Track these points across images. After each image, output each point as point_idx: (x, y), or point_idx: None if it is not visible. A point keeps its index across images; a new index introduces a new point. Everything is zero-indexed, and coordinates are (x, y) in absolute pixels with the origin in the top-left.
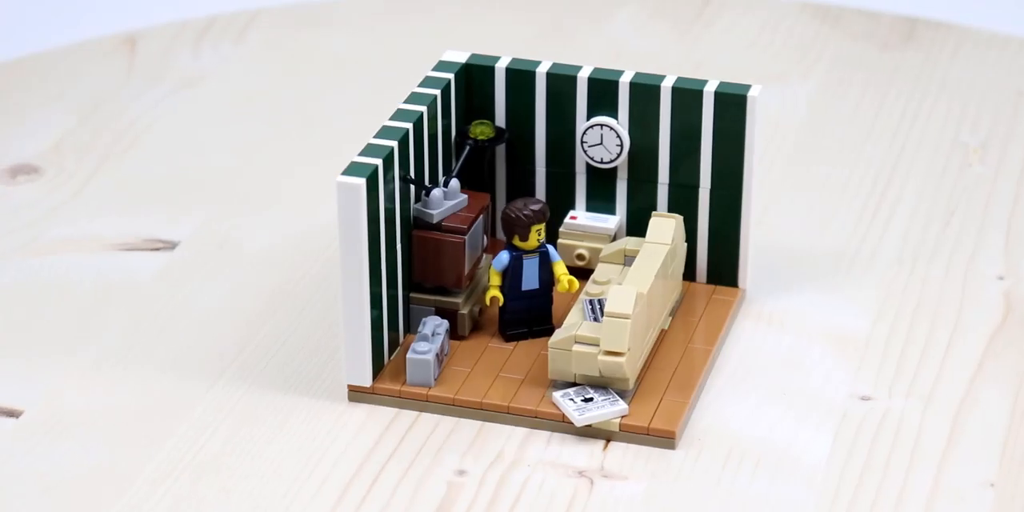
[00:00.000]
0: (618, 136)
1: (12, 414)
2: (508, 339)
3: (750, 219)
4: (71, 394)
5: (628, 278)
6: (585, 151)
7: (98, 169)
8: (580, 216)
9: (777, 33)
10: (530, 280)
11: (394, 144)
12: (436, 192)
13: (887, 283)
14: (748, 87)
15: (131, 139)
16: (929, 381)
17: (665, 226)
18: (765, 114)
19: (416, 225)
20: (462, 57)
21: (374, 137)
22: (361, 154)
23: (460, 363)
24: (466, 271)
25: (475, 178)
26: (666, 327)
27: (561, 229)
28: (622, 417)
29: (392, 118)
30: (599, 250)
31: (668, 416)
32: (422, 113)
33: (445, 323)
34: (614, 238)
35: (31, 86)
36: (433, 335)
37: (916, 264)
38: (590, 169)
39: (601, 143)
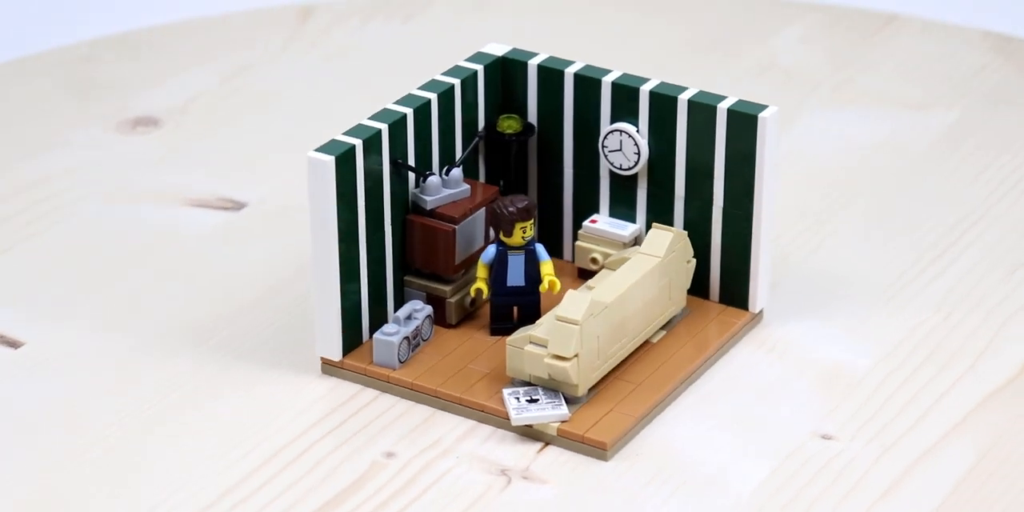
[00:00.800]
0: (636, 144)
1: (13, 345)
2: (493, 333)
3: (761, 242)
4: (70, 335)
5: (601, 285)
6: (605, 156)
7: (211, 128)
8: (600, 221)
9: (945, 59)
10: (516, 276)
11: (383, 126)
12: (433, 179)
13: (914, 326)
14: (763, 107)
15: (258, 104)
16: (902, 428)
17: (661, 239)
18: (826, 139)
19: (413, 210)
20: (501, 50)
21: (368, 118)
22: (345, 133)
23: (437, 350)
24: (457, 260)
25: (502, 172)
26: (655, 341)
27: (580, 231)
28: (561, 422)
29: (397, 102)
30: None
31: (608, 427)
32: (429, 100)
33: (428, 309)
34: (633, 246)
35: (195, 46)
36: (409, 319)
37: (953, 312)
38: (613, 175)
39: (620, 149)
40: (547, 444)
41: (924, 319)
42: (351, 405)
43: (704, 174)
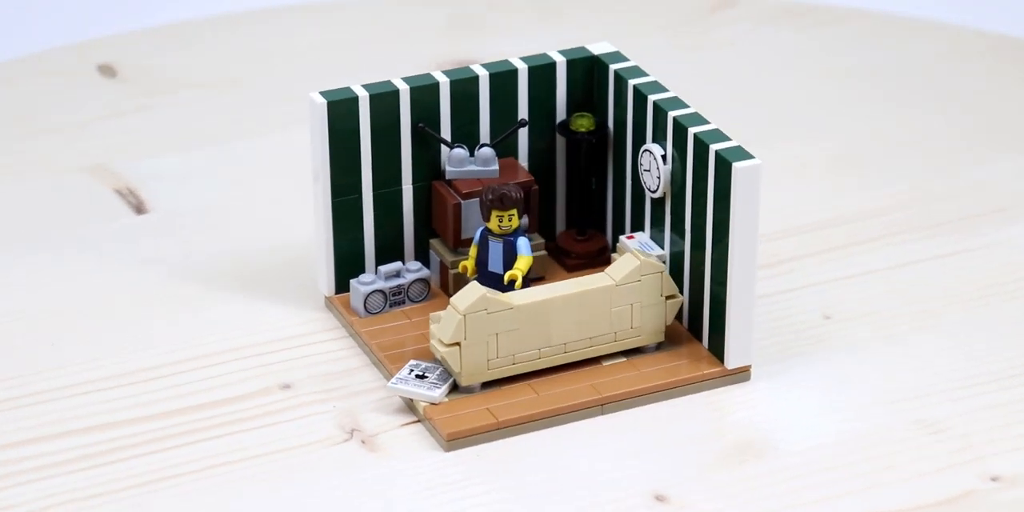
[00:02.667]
0: (658, 167)
1: (140, 210)
2: None
3: (734, 298)
4: (183, 217)
5: (530, 290)
6: (640, 174)
7: None
8: (636, 238)
9: None
10: (495, 263)
11: (406, 87)
12: (458, 152)
13: (889, 428)
14: (748, 157)
15: None
16: None
17: (626, 264)
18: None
19: (442, 176)
20: (600, 49)
21: (400, 78)
22: (364, 85)
23: (418, 313)
24: (464, 235)
25: (572, 169)
26: (606, 364)
27: (617, 244)
28: (431, 403)
29: (443, 71)
30: None
31: (463, 421)
32: (477, 76)
33: (424, 272)
34: None
35: (583, 10)
36: (396, 276)
37: (945, 430)
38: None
39: (649, 170)
40: (418, 421)
41: (907, 427)
42: (308, 338)
43: (701, 214)
